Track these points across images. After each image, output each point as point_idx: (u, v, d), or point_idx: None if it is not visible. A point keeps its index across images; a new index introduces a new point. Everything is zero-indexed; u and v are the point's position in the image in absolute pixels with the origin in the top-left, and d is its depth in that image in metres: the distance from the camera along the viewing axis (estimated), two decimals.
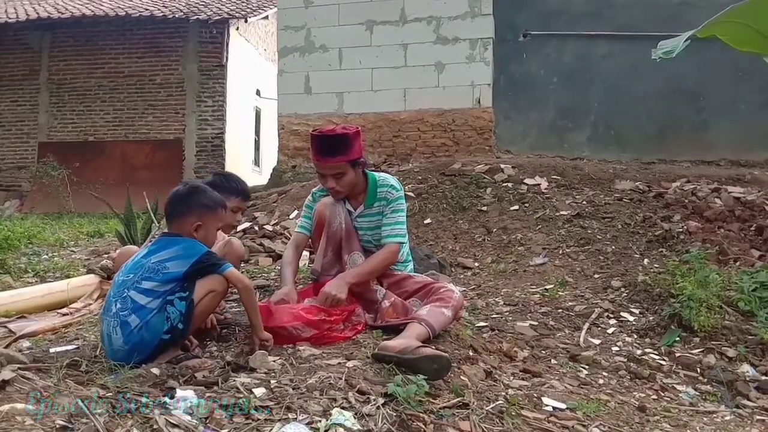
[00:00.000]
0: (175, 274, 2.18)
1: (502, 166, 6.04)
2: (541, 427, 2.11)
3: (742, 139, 6.76)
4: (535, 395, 2.38)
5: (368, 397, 1.89)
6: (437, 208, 5.41)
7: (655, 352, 3.06)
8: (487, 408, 2.12)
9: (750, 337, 3.05)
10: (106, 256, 4.84)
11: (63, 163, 10.82)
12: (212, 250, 2.34)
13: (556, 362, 2.85)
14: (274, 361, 2.14)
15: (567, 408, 2.32)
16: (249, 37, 13.18)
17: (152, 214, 5.16)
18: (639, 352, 3.04)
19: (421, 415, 1.90)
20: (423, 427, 1.86)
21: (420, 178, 6.00)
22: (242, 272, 2.77)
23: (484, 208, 5.38)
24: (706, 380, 2.82)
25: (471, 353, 2.58)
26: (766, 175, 5.85)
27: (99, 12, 11.81)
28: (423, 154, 7.28)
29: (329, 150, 2.61)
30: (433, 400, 2.06)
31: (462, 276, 4.34)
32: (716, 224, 4.59)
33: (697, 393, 2.71)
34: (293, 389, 1.89)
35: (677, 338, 3.12)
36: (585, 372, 2.78)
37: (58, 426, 1.46)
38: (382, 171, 6.06)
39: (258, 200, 6.50)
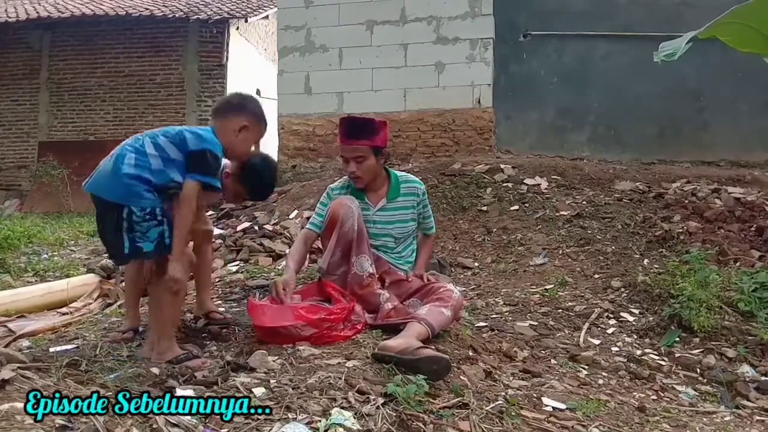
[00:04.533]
0: (185, 150, 2.25)
1: (502, 166, 6.04)
2: (541, 427, 2.11)
3: (742, 140, 6.76)
4: (535, 395, 2.38)
5: (368, 397, 1.89)
6: (437, 208, 5.40)
7: (655, 352, 3.05)
8: (486, 408, 2.12)
9: (750, 337, 3.05)
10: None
11: (63, 163, 10.81)
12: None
13: (555, 362, 2.85)
14: (273, 360, 2.14)
15: (567, 408, 2.32)
16: (249, 37, 13.17)
17: None
18: (639, 352, 3.04)
19: (420, 415, 1.90)
20: (423, 427, 1.86)
21: (420, 178, 5.92)
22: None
23: (484, 208, 5.38)
24: (705, 381, 2.81)
25: (471, 353, 2.58)
26: (766, 175, 5.85)
27: (99, 11, 11.81)
28: (423, 154, 7.28)
29: (354, 132, 2.72)
30: (433, 400, 2.05)
31: (462, 276, 4.34)
32: (716, 225, 4.59)
33: (697, 393, 2.71)
34: (293, 389, 1.89)
35: (677, 338, 3.12)
36: (585, 372, 2.78)
37: (57, 425, 1.46)
38: None
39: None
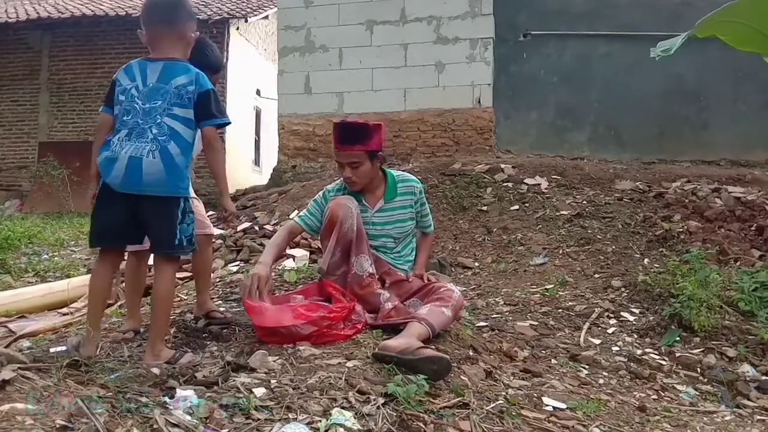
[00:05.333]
0: (194, 101, 2.17)
1: (503, 165, 6.05)
2: (541, 427, 2.11)
3: (742, 139, 6.77)
4: (535, 395, 2.38)
5: (368, 397, 1.89)
6: (437, 208, 5.41)
7: (656, 352, 3.05)
8: (487, 408, 2.12)
9: (750, 337, 3.05)
10: None
11: (63, 163, 10.81)
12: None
13: (556, 362, 2.85)
14: (274, 360, 2.14)
15: (567, 408, 2.31)
16: (249, 37, 13.17)
17: None
18: (639, 352, 3.04)
19: (421, 414, 1.90)
20: (423, 427, 1.86)
21: (420, 178, 5.92)
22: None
23: (485, 208, 5.38)
24: (706, 380, 2.81)
25: (471, 353, 2.57)
26: (767, 175, 5.85)
27: (99, 12, 11.82)
28: (423, 154, 7.28)
29: (348, 138, 2.70)
30: (433, 400, 2.05)
31: (462, 276, 4.34)
32: (716, 224, 4.59)
33: (698, 393, 2.71)
34: (293, 389, 1.88)
35: (677, 338, 3.12)
36: (585, 372, 2.78)
37: (58, 426, 1.45)
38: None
39: (258, 200, 6.51)
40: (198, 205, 2.82)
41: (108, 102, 2.24)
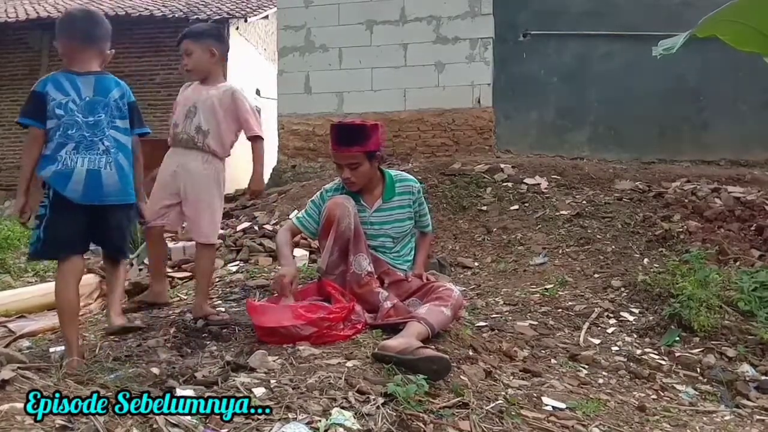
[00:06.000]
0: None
1: (502, 165, 6.04)
2: (541, 426, 2.11)
3: (742, 139, 6.76)
4: (535, 395, 2.38)
5: (368, 397, 1.89)
6: (437, 208, 5.41)
7: (655, 351, 3.06)
8: (486, 408, 2.12)
9: (750, 336, 3.05)
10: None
11: None
12: None
13: (555, 362, 2.85)
14: (273, 360, 2.14)
15: (567, 408, 2.32)
16: (249, 37, 13.17)
17: None
18: (639, 351, 3.04)
19: (420, 414, 1.90)
20: (423, 426, 1.86)
21: (420, 177, 5.98)
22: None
23: (484, 208, 5.38)
24: (705, 380, 2.82)
25: (471, 353, 2.58)
26: (766, 175, 5.85)
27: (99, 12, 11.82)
28: (423, 154, 7.28)
29: (346, 140, 2.70)
30: (433, 400, 2.05)
31: (462, 276, 4.34)
32: (716, 224, 4.59)
33: (697, 393, 2.71)
34: (293, 389, 1.89)
35: (677, 338, 3.12)
36: (585, 372, 2.78)
37: (58, 426, 1.46)
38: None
39: (257, 200, 6.50)
40: (217, 214, 2.86)
41: (36, 116, 2.25)
